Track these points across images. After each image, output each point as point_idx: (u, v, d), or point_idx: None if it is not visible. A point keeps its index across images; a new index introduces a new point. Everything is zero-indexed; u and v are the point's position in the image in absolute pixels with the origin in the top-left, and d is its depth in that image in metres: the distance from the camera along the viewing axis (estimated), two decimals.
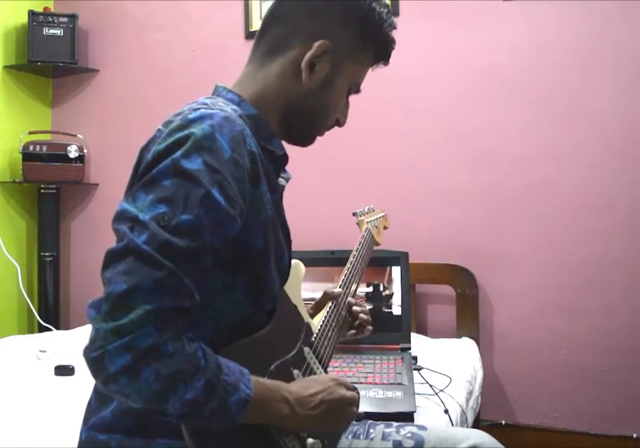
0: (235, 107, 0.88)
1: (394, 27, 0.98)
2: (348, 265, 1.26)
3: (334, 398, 0.86)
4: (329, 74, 0.92)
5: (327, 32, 0.91)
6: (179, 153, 0.74)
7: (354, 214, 1.50)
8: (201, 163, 0.74)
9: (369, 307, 1.90)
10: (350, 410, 0.90)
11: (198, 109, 0.80)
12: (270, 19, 0.95)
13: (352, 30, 0.93)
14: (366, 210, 1.54)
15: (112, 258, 0.69)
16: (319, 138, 1.01)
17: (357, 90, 1.00)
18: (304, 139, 0.99)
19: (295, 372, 0.90)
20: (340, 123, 1.01)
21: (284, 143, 0.97)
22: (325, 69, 0.92)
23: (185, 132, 0.76)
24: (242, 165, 0.79)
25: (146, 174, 0.75)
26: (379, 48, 0.97)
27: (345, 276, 1.22)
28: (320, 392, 0.85)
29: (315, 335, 1.02)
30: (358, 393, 1.03)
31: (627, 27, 2.06)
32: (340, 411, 0.88)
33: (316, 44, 0.90)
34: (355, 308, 1.18)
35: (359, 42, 0.94)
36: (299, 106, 0.93)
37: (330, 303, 1.14)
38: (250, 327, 0.86)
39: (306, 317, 1.03)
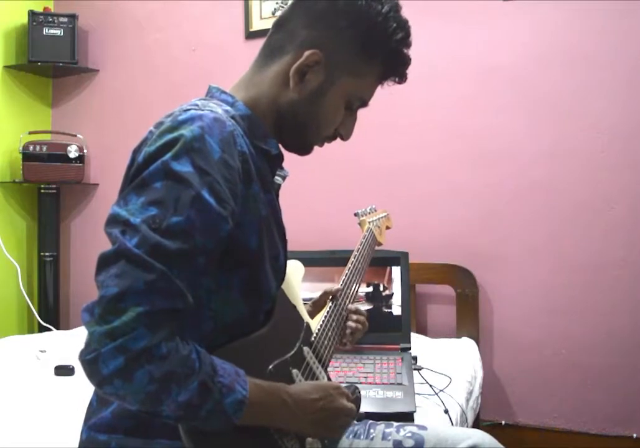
0: (228, 107, 0.88)
1: (407, 44, 0.93)
2: (349, 264, 1.26)
3: (335, 406, 0.87)
4: (322, 84, 0.90)
5: (323, 42, 0.89)
6: (168, 155, 0.75)
7: (356, 214, 1.49)
8: (191, 165, 0.74)
9: (368, 307, 1.92)
10: (347, 420, 0.91)
11: (188, 109, 0.81)
12: (274, 25, 0.95)
13: (353, 42, 0.90)
14: (368, 210, 1.54)
15: (104, 262, 0.70)
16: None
17: (363, 105, 0.97)
18: (297, 148, 0.98)
19: (295, 371, 0.90)
20: (343, 137, 0.98)
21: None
22: (317, 79, 0.90)
23: (175, 134, 0.76)
24: (233, 165, 0.79)
25: (137, 176, 0.76)
26: (387, 63, 0.93)
27: (345, 276, 1.22)
28: (322, 399, 0.85)
29: (315, 334, 1.02)
30: (360, 398, 1.04)
31: (628, 26, 2.06)
32: (338, 420, 0.89)
33: (307, 53, 0.88)
34: (349, 323, 1.16)
35: (360, 55, 0.91)
36: (288, 114, 0.92)
37: (330, 303, 1.14)
38: (248, 326, 0.86)
39: (306, 317, 1.03)
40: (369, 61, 0.92)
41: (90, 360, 0.65)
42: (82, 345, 0.67)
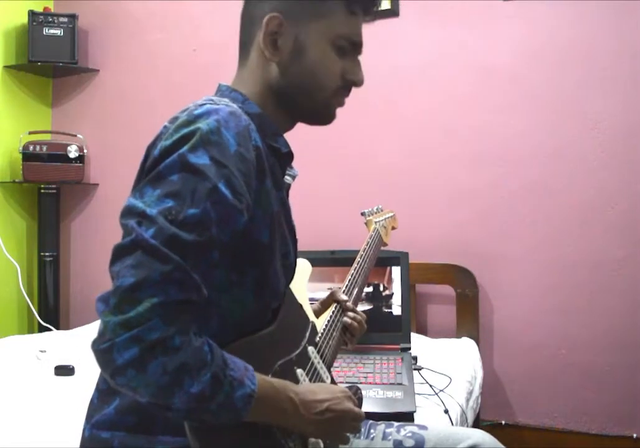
0: (240, 105, 0.88)
1: None
2: (355, 264, 1.26)
3: (341, 408, 0.86)
4: (296, 42, 0.90)
5: (276, 5, 0.89)
6: (185, 148, 0.75)
7: (363, 214, 1.49)
8: (208, 157, 0.74)
9: (368, 307, 1.92)
10: (354, 426, 0.90)
11: (204, 104, 0.81)
12: (240, 24, 0.96)
13: None
14: (375, 210, 1.54)
15: (120, 252, 0.70)
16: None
17: (354, 44, 0.93)
18: (317, 116, 0.96)
19: (299, 371, 0.90)
20: (356, 83, 0.94)
21: (290, 140, 0.97)
22: (289, 39, 0.90)
23: (192, 127, 0.77)
24: (248, 159, 0.79)
25: (153, 169, 0.76)
26: None
27: (351, 275, 1.22)
28: (328, 400, 0.84)
29: (320, 334, 1.02)
30: (361, 399, 1.04)
31: (628, 26, 2.06)
32: (344, 424, 0.88)
33: (264, 20, 0.89)
34: (345, 319, 1.14)
35: None
36: (285, 87, 0.91)
37: (335, 303, 1.14)
38: (256, 323, 0.86)
39: (311, 316, 1.03)
40: None
41: (105, 349, 0.65)
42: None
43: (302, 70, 0.91)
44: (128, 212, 0.73)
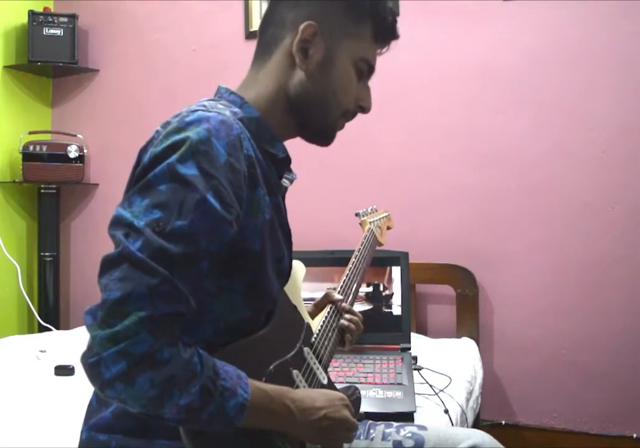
0: (236, 109, 0.88)
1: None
2: (350, 265, 1.26)
3: (338, 417, 0.85)
4: (326, 54, 0.90)
5: (312, 14, 0.89)
6: (174, 157, 0.74)
7: (357, 215, 1.49)
8: (196, 168, 0.74)
9: (368, 307, 1.92)
10: (348, 435, 0.90)
11: (196, 111, 0.80)
12: (263, 23, 0.95)
13: (339, 5, 0.91)
14: (369, 210, 1.54)
15: (107, 265, 0.69)
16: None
17: (370, 70, 0.96)
18: (321, 133, 0.96)
19: (295, 372, 0.89)
20: (364, 109, 0.97)
21: (291, 140, 0.96)
22: (320, 50, 0.90)
23: (182, 135, 0.76)
24: (239, 169, 0.78)
25: (143, 177, 0.75)
26: (374, 18, 0.93)
27: (346, 276, 1.22)
28: (325, 408, 0.84)
29: (315, 335, 1.02)
30: (360, 399, 1.03)
31: (628, 26, 2.06)
32: (340, 432, 0.87)
33: (301, 26, 0.88)
34: (342, 321, 1.13)
35: (349, 15, 0.91)
36: (303, 96, 0.91)
37: (330, 304, 1.14)
38: (250, 327, 0.85)
39: (306, 317, 1.03)
40: (358, 20, 0.92)
41: (92, 364, 0.65)
42: (84, 348, 0.67)
43: (326, 84, 0.91)
44: (117, 222, 0.72)
